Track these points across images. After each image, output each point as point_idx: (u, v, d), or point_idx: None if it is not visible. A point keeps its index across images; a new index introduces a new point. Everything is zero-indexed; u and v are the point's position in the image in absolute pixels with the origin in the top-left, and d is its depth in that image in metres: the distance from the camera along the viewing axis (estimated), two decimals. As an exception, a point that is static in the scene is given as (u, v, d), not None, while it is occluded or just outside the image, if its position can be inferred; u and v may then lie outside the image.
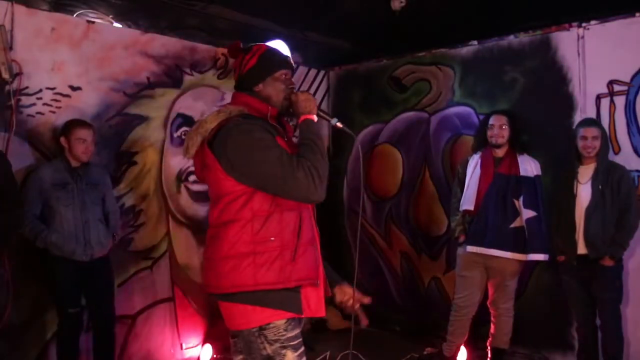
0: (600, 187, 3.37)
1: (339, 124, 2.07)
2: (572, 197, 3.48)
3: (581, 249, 3.42)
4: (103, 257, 3.44)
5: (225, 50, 4.46)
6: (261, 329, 1.86)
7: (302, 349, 1.93)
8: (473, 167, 3.79)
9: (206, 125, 1.92)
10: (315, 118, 1.99)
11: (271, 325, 1.86)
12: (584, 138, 3.43)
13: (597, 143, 3.41)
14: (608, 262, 3.33)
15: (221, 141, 1.87)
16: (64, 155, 3.34)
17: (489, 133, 3.73)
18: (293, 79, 2.11)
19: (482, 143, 3.81)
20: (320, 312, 1.96)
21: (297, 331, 1.91)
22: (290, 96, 2.03)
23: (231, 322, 1.92)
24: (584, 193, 3.44)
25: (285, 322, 1.88)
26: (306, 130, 1.95)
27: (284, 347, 1.87)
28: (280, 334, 1.87)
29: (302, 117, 1.98)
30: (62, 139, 3.32)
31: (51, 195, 3.25)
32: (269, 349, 1.86)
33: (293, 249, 1.89)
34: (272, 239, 1.87)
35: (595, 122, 3.54)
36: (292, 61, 2.11)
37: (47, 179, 3.25)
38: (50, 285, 3.33)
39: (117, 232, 3.61)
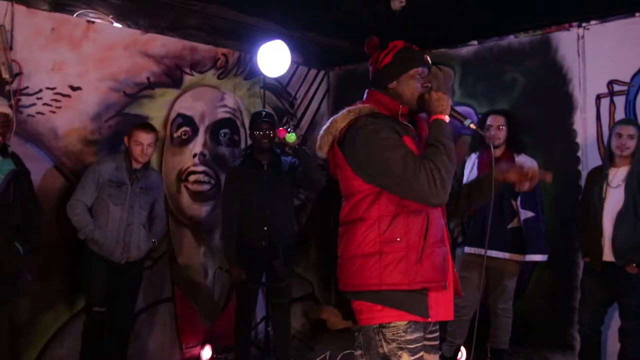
0: (633, 192, 3.20)
1: (472, 125, 2.05)
2: (599, 200, 3.33)
3: (607, 256, 3.28)
4: (138, 260, 3.49)
5: (225, 50, 4.48)
6: (381, 326, 1.87)
7: (421, 354, 1.90)
8: (470, 168, 3.78)
9: (336, 125, 1.95)
10: (446, 118, 1.95)
11: (391, 325, 1.86)
12: (619, 135, 3.27)
13: (633, 143, 3.24)
14: (633, 269, 3.19)
15: (350, 141, 1.90)
16: (127, 154, 3.42)
17: (486, 134, 3.72)
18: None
19: (480, 143, 3.81)
20: (449, 315, 1.96)
21: (417, 335, 1.89)
22: (424, 95, 2.01)
23: (357, 317, 1.96)
24: (614, 197, 3.26)
25: (406, 324, 1.87)
26: (435, 131, 1.91)
27: (401, 349, 1.85)
28: (399, 334, 1.86)
29: (433, 117, 1.94)
30: (125, 139, 3.42)
31: (105, 191, 3.32)
32: (386, 348, 1.87)
33: (420, 250, 1.87)
34: (398, 239, 1.86)
35: (633, 122, 3.42)
36: (429, 59, 2.09)
37: (106, 174, 3.33)
38: (82, 281, 3.38)
39: (159, 238, 3.66)
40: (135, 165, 3.41)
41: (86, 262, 3.34)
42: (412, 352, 1.86)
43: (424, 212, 1.90)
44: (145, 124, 3.52)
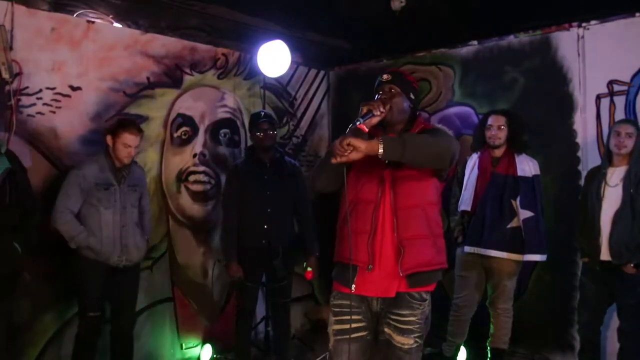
0: (632, 190, 3.20)
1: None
2: (598, 199, 3.34)
3: (604, 255, 3.29)
4: (137, 261, 3.42)
5: (225, 50, 4.48)
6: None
7: (344, 317, 2.28)
8: (471, 168, 3.79)
9: None
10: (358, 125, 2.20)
11: (333, 290, 2.39)
12: (617, 134, 3.29)
13: (630, 142, 3.26)
14: (630, 270, 3.19)
15: None
16: (108, 152, 3.28)
17: (487, 133, 3.72)
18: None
19: (481, 143, 3.81)
20: (377, 293, 2.28)
21: (341, 302, 2.32)
22: None
23: None
24: (612, 196, 3.27)
25: (335, 292, 2.36)
26: None
27: (331, 310, 2.37)
28: (331, 299, 2.38)
29: None
30: (109, 138, 3.25)
31: (93, 195, 3.18)
32: None
33: (339, 232, 2.34)
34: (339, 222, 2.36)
35: (631, 121, 3.45)
36: (384, 77, 2.42)
37: (91, 178, 3.18)
38: (75, 286, 3.31)
39: (149, 234, 3.58)
40: (118, 165, 3.29)
41: (79, 268, 3.23)
42: (335, 314, 2.33)
43: (347, 201, 2.26)
44: (133, 125, 3.33)
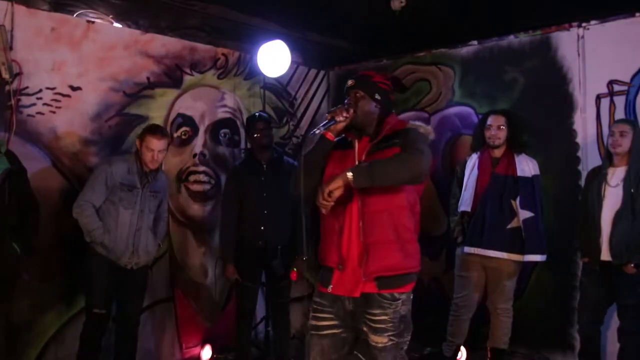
0: (632, 190, 3.20)
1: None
2: (598, 199, 3.34)
3: (604, 256, 3.29)
4: (146, 264, 3.45)
5: (225, 50, 4.48)
6: None
7: (317, 315, 2.39)
8: (471, 168, 3.79)
9: None
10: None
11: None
12: (612, 133, 3.32)
13: (625, 140, 3.27)
14: (631, 270, 3.19)
15: None
16: (138, 156, 3.32)
17: (486, 133, 3.72)
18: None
19: (480, 143, 3.81)
20: (350, 293, 2.31)
21: (319, 300, 2.40)
22: None
23: None
24: (613, 197, 3.28)
25: (317, 290, 2.45)
26: None
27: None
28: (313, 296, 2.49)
29: None
30: (137, 141, 3.32)
31: (116, 194, 3.23)
32: None
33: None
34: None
35: (628, 121, 3.46)
36: (348, 82, 2.46)
37: (118, 176, 3.24)
38: (83, 282, 3.33)
39: (162, 240, 3.63)
40: (146, 169, 3.32)
41: (88, 263, 3.27)
42: (313, 310, 2.43)
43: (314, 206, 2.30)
44: (157, 130, 3.35)
